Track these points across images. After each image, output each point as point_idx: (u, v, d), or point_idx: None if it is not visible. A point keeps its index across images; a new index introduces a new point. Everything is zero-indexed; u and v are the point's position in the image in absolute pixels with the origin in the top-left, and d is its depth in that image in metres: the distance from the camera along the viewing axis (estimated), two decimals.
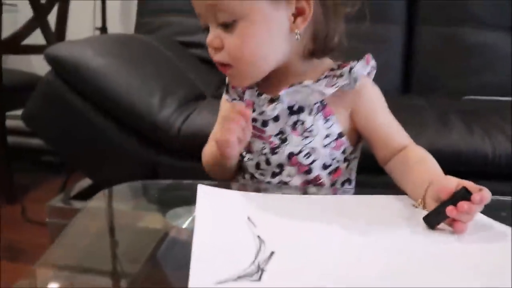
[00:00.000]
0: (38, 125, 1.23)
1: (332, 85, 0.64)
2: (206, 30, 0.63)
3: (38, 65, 2.04)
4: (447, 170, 1.09)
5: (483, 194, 0.50)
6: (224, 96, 0.74)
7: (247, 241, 0.48)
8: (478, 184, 0.85)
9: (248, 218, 0.53)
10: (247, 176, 0.73)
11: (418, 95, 1.56)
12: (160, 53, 1.34)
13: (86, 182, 1.48)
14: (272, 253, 0.45)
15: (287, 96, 0.65)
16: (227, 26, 0.61)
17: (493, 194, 1.10)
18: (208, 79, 1.46)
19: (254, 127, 0.66)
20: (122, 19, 2.01)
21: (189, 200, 0.61)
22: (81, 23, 1.95)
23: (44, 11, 1.77)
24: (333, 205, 0.61)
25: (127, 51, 1.24)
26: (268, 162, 0.69)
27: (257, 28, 0.61)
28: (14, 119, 1.69)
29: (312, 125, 0.65)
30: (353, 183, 0.73)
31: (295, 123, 0.66)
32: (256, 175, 0.70)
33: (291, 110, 0.66)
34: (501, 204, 0.69)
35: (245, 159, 0.71)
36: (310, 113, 0.65)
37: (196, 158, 1.12)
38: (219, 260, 0.44)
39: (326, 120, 0.66)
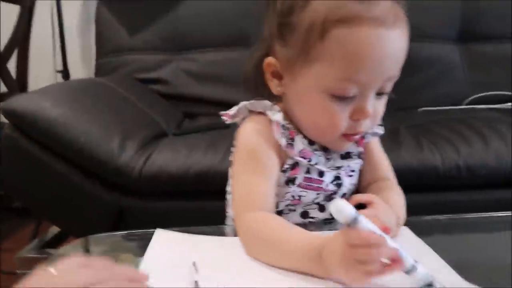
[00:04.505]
0: (0, 177, 1.23)
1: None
2: (343, 99, 0.56)
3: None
4: (399, 185, 1.14)
5: None
6: (276, 135, 0.61)
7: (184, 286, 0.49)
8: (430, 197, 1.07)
9: (194, 263, 0.54)
10: None
11: None
12: (119, 95, 1.37)
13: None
14: None
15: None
16: (381, 95, 0.58)
17: (446, 205, 1.15)
18: (169, 115, 1.49)
19: (310, 179, 0.63)
20: (83, 61, 2.03)
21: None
22: (42, 67, 1.96)
23: (3, 58, 1.78)
24: None
25: (85, 97, 1.26)
26: (322, 209, 0.65)
27: None
28: None
29: (355, 164, 0.67)
30: None
31: (347, 167, 0.66)
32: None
33: (341, 155, 0.66)
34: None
35: (283, 216, 0.64)
36: (355, 155, 0.67)
37: (160, 198, 1.15)
38: None
39: (361, 159, 0.68)
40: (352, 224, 0.44)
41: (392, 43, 0.54)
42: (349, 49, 0.53)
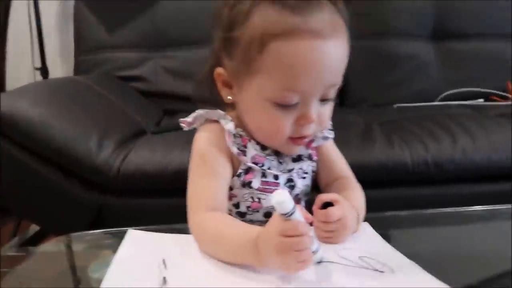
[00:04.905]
0: None
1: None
2: (286, 106, 0.58)
3: None
4: (372, 182, 1.18)
5: None
6: (228, 143, 0.64)
7: (152, 283, 0.52)
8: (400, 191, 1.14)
9: (163, 260, 0.57)
10: None
11: (351, 108, 1.65)
12: (97, 93, 1.38)
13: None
14: None
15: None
16: (325, 101, 0.60)
17: (415, 199, 1.19)
18: (148, 113, 1.51)
19: (267, 183, 0.66)
20: (62, 58, 2.02)
21: None
22: (20, 64, 1.95)
23: None
24: None
25: (63, 96, 1.27)
26: None
27: None
28: None
29: (307, 166, 0.70)
30: None
31: (299, 169, 0.68)
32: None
33: (293, 158, 0.68)
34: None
35: (247, 216, 0.68)
36: (305, 157, 0.69)
37: (138, 195, 1.17)
38: None
39: (312, 160, 0.71)
40: (288, 215, 0.48)
41: (329, 54, 0.56)
42: (286, 62, 0.55)
